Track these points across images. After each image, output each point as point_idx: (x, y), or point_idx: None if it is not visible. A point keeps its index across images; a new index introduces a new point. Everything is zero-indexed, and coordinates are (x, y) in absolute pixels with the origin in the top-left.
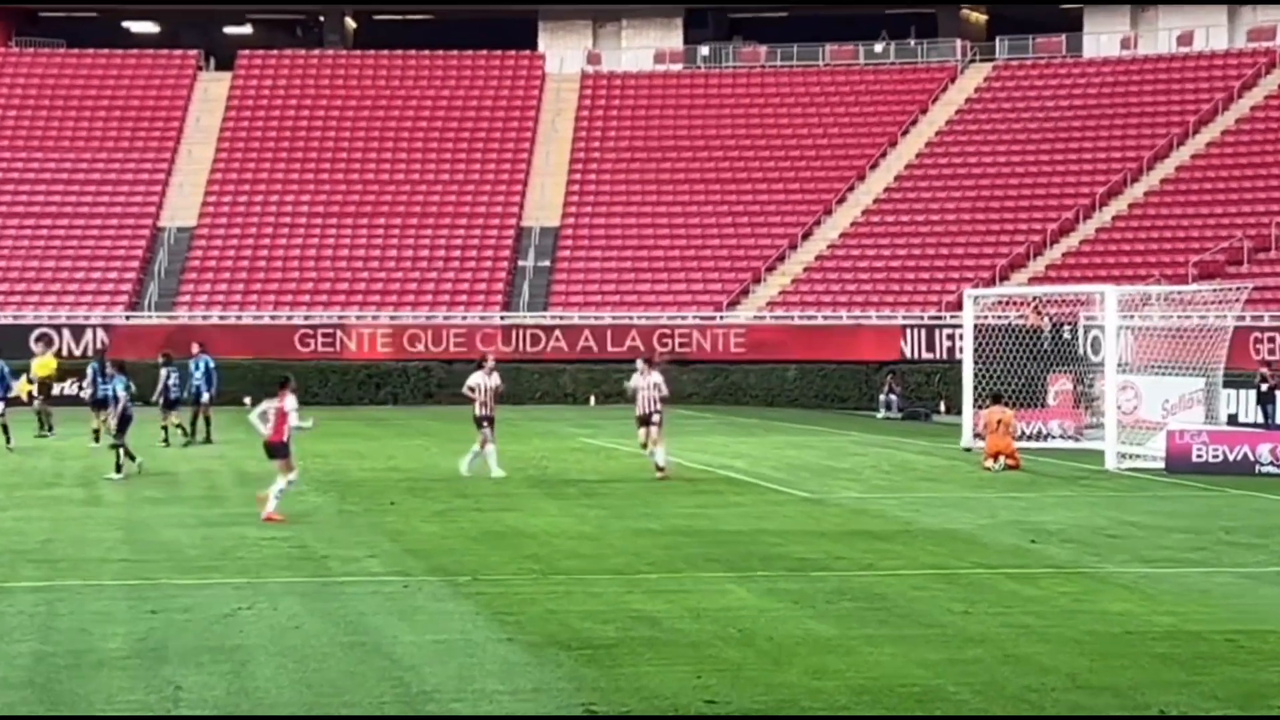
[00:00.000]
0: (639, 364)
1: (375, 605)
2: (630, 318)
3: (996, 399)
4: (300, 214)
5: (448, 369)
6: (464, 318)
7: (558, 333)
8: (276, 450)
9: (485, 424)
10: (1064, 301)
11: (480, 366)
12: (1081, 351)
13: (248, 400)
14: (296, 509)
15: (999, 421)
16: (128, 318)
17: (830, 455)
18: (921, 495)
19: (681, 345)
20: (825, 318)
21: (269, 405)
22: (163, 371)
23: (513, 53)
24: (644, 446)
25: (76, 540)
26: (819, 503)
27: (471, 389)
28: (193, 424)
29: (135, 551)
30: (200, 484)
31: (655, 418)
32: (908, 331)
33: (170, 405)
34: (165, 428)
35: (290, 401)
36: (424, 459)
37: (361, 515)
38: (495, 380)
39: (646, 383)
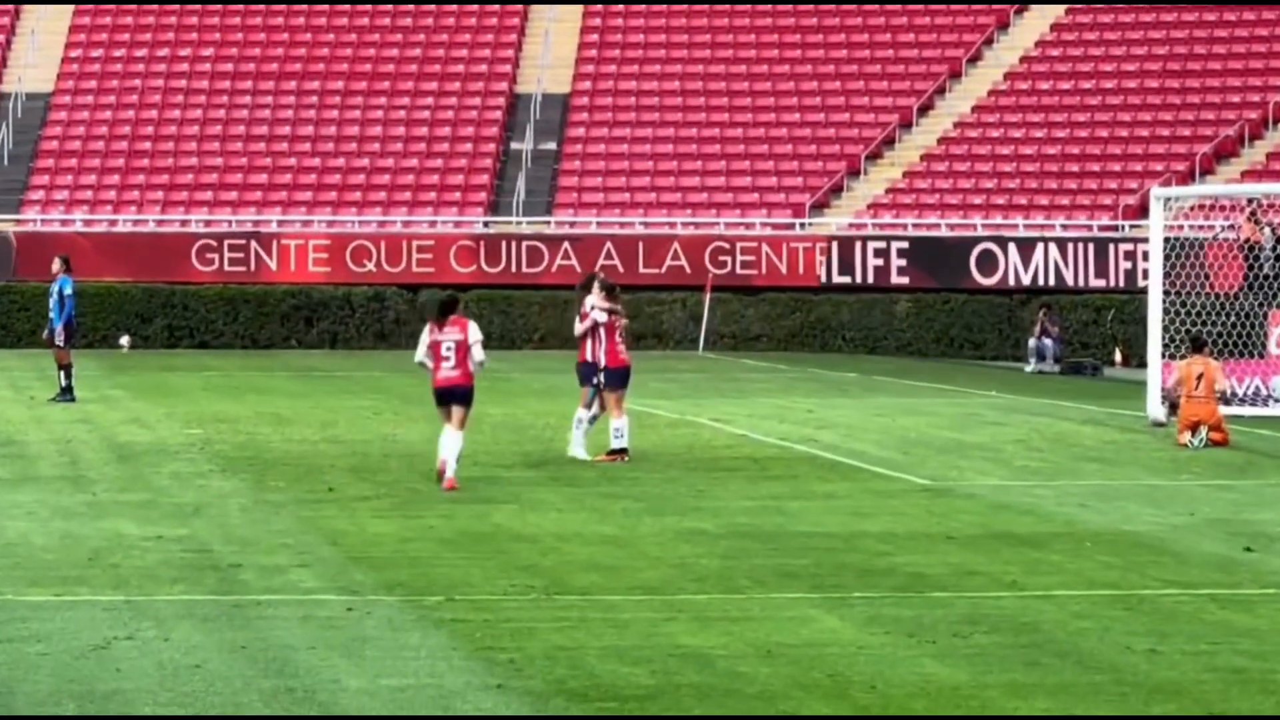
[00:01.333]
0: (597, 286)
1: (307, 635)
2: (673, 225)
3: (1197, 346)
4: (201, 75)
5: (409, 298)
6: (432, 224)
7: (566, 247)
8: (464, 396)
9: (597, 378)
10: None
11: (586, 289)
12: None
13: (124, 341)
14: (192, 497)
15: (1199, 377)
16: None
17: (958, 425)
18: (1089, 483)
19: (745, 266)
20: (950, 227)
21: (450, 337)
22: None
23: None
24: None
25: None
26: (943, 493)
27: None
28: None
29: None
30: (57, 459)
31: (600, 375)
32: (1068, 248)
33: None
34: None
35: (475, 332)
36: (376, 427)
37: (287, 507)
38: (618, 311)
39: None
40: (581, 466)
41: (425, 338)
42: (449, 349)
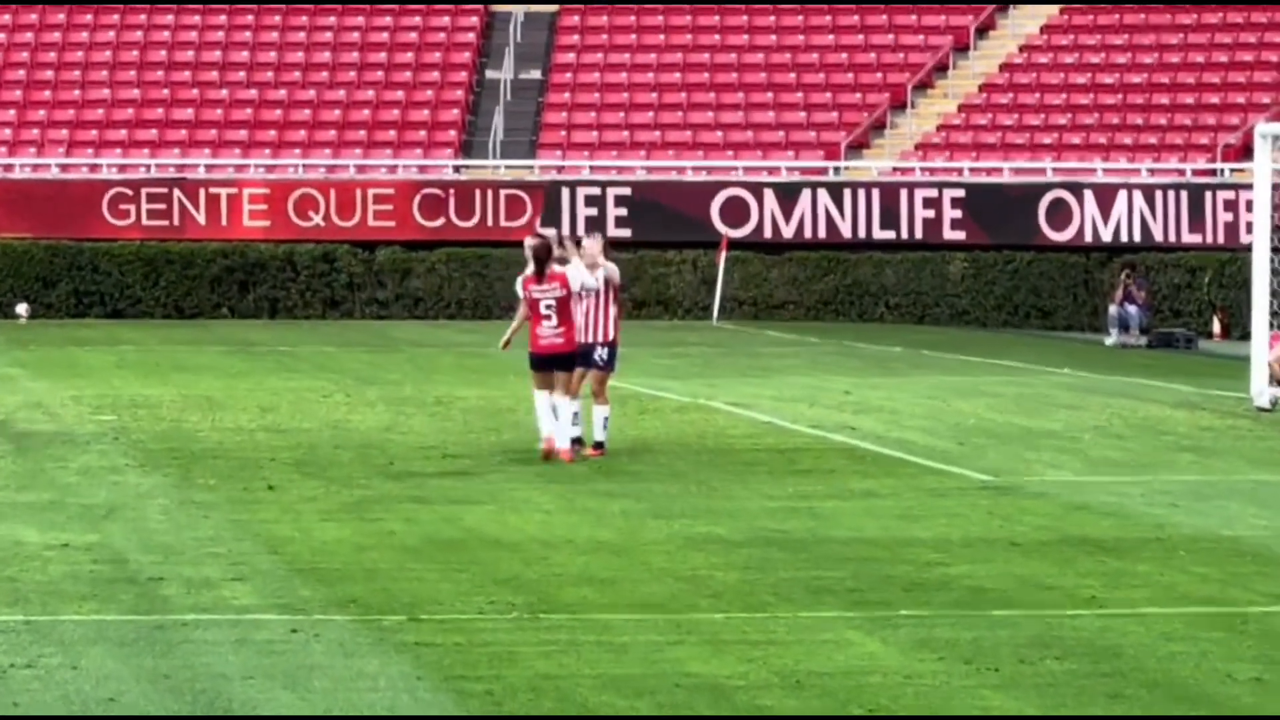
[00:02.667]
0: (587, 242)
1: (243, 663)
2: (681, 170)
3: None
4: None
5: (364, 258)
6: (391, 170)
7: (552, 196)
8: (568, 363)
9: (599, 355)
10: None
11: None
12: None
13: (22, 310)
14: (104, 496)
15: None
16: None
17: (1025, 409)
18: (1181, 478)
19: (767, 218)
20: (1014, 170)
21: (550, 294)
22: None
23: None
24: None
25: None
26: (1006, 491)
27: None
28: None
29: None
30: None
31: (600, 353)
32: (1156, 197)
33: None
34: None
35: (574, 281)
36: (325, 413)
37: (218, 508)
38: (603, 273)
39: (596, 280)
40: (569, 463)
41: (519, 292)
42: (549, 307)
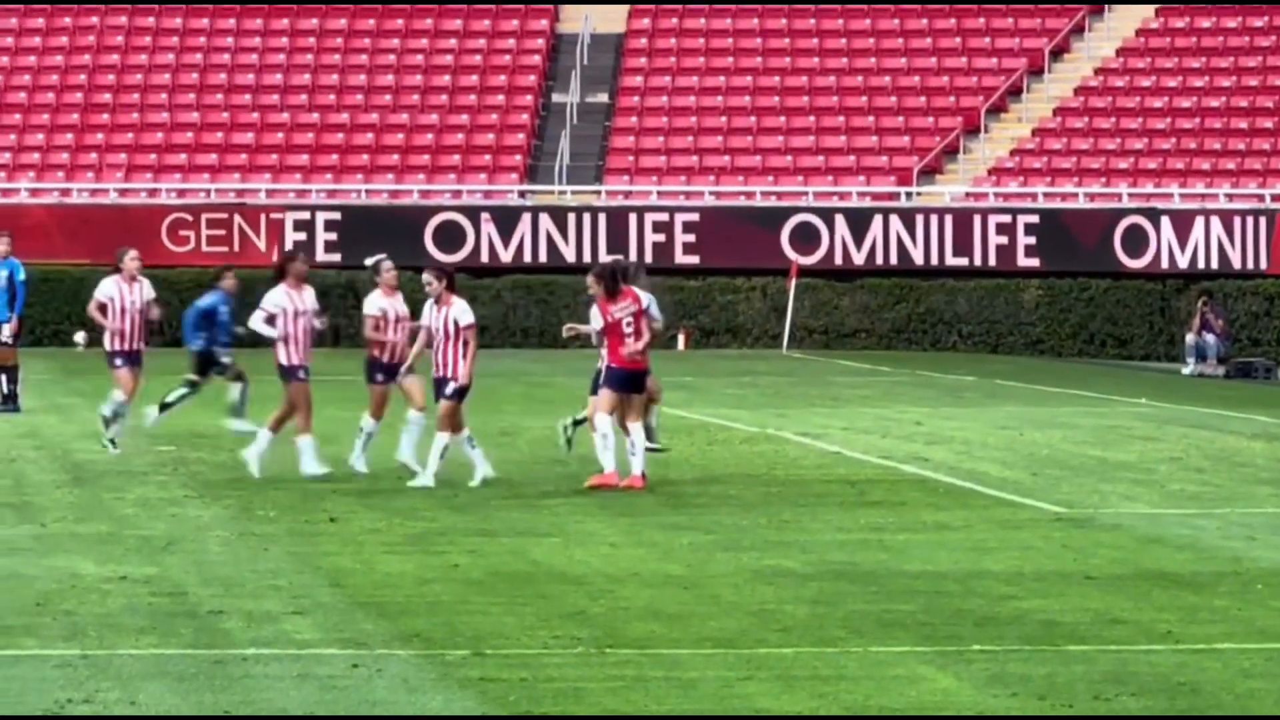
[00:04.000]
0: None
1: (304, 698)
2: (751, 195)
3: None
4: (173, 11)
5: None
6: (456, 195)
7: (619, 222)
8: (645, 380)
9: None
10: None
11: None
12: None
13: (79, 338)
14: (163, 528)
15: None
16: None
17: (1100, 440)
18: (1261, 511)
19: (838, 245)
20: (1090, 197)
21: (627, 311)
22: None
23: None
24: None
25: None
26: (1081, 524)
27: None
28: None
29: None
30: None
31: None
32: (1235, 223)
33: None
34: None
35: (645, 295)
36: (388, 443)
37: (279, 540)
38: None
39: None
40: (638, 493)
41: (595, 318)
42: (629, 325)
